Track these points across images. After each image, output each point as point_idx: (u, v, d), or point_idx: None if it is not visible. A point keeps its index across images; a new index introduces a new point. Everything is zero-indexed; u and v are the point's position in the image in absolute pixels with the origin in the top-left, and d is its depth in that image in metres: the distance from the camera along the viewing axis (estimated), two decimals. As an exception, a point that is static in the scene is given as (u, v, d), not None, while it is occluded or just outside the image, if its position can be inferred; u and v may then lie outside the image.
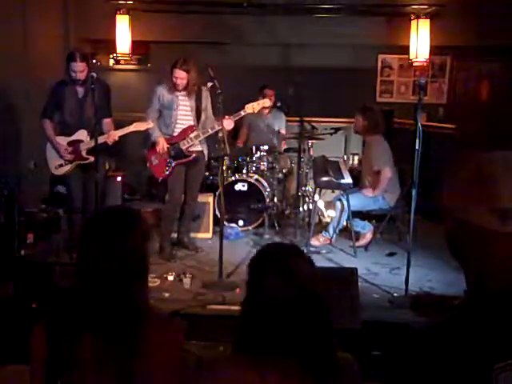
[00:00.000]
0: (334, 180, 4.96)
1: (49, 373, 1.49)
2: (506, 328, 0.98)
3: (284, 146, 6.35)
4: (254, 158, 5.95)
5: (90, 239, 1.58)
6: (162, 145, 4.73)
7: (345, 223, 5.29)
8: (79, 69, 4.38)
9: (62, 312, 1.55)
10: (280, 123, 6.39)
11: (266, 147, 5.95)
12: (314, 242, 5.22)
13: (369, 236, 5.30)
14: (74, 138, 4.55)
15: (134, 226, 1.60)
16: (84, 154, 4.55)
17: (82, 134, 4.54)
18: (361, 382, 1.44)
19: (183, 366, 1.54)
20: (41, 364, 1.50)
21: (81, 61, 4.38)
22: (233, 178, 5.75)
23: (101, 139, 4.46)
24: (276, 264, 1.42)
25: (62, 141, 4.55)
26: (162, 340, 1.51)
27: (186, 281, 4.11)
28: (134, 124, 4.61)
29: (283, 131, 6.35)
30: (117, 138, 4.54)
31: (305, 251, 4.94)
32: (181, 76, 4.58)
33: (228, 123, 4.60)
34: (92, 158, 4.43)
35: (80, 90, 4.51)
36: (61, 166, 4.59)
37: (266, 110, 6.17)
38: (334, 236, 5.27)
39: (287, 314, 1.35)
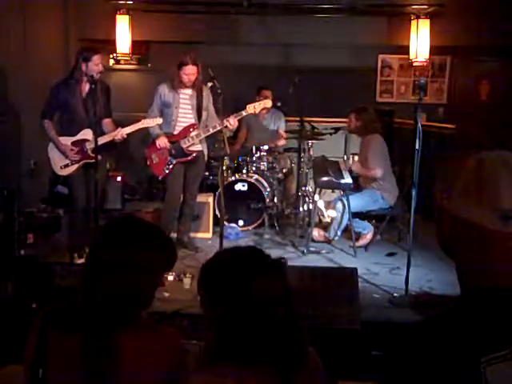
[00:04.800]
0: (334, 180, 4.96)
1: (34, 361, 1.50)
2: (498, 323, 0.99)
3: (282, 142, 6.33)
4: (254, 158, 5.95)
5: (107, 244, 1.58)
6: (164, 141, 4.73)
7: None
8: (100, 61, 4.40)
9: (60, 307, 1.57)
10: (279, 123, 6.39)
11: (265, 147, 5.95)
12: (314, 232, 5.25)
13: (369, 236, 5.29)
14: (78, 137, 4.50)
15: (158, 249, 1.59)
16: (90, 152, 4.49)
17: (87, 133, 4.47)
18: (324, 372, 1.44)
19: (181, 369, 1.53)
20: (31, 351, 1.52)
21: (97, 53, 4.43)
22: (233, 178, 5.75)
23: (109, 137, 4.46)
24: (239, 280, 1.39)
25: (66, 141, 4.50)
26: (142, 350, 1.49)
27: (186, 281, 4.11)
28: (142, 121, 4.60)
29: (282, 131, 6.35)
30: (125, 136, 4.52)
31: (305, 251, 4.91)
32: (192, 71, 4.62)
33: (234, 122, 4.62)
34: (99, 157, 4.34)
35: (84, 90, 4.47)
36: (66, 166, 4.53)
37: (265, 111, 6.18)
38: (337, 237, 5.27)
39: (262, 322, 1.36)
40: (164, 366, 1.51)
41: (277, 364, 1.34)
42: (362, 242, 5.27)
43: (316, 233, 5.31)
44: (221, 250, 1.55)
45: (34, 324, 1.55)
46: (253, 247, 1.52)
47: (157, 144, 4.76)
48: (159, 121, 4.68)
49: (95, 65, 4.37)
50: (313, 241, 5.20)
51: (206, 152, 5.02)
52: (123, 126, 4.54)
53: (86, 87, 4.47)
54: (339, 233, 5.25)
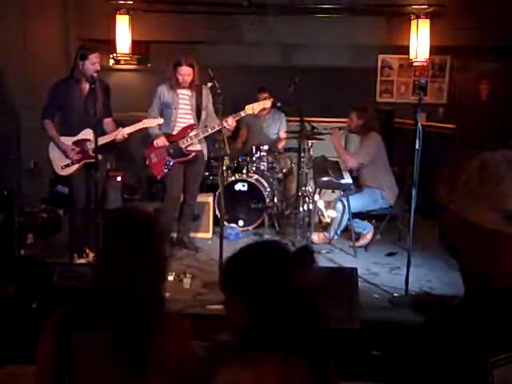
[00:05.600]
0: (334, 180, 4.96)
1: (58, 370, 1.49)
2: (503, 324, 0.99)
3: (283, 143, 6.33)
4: (254, 158, 5.95)
5: (113, 239, 1.62)
6: (162, 140, 4.74)
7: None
8: (97, 60, 4.35)
9: (74, 309, 1.57)
10: (279, 124, 6.38)
11: (266, 147, 5.95)
12: (313, 236, 5.24)
13: (369, 236, 5.30)
14: (79, 137, 4.48)
15: (154, 226, 1.66)
16: (91, 152, 4.45)
17: (87, 133, 4.44)
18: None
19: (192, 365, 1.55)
20: (48, 362, 1.51)
21: (94, 52, 4.38)
22: (233, 178, 5.75)
23: (110, 137, 4.45)
24: (267, 274, 1.38)
25: (67, 141, 4.48)
26: (174, 339, 1.55)
27: (186, 281, 4.11)
28: (143, 120, 4.60)
29: (283, 132, 6.34)
30: (126, 136, 4.50)
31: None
32: (187, 73, 4.61)
33: (232, 123, 4.62)
34: (100, 156, 4.31)
35: (84, 89, 4.45)
36: (67, 166, 4.51)
37: (265, 111, 6.18)
38: (336, 237, 5.27)
39: (297, 310, 1.36)
40: (180, 365, 1.53)
41: (309, 352, 1.35)
42: (362, 242, 5.27)
43: (316, 237, 5.29)
44: (244, 247, 1.49)
45: (48, 330, 1.54)
46: (275, 240, 1.56)
47: (155, 143, 4.76)
48: (160, 121, 4.68)
49: (91, 63, 4.33)
50: (312, 243, 5.20)
51: (205, 152, 5.02)
52: (123, 126, 4.53)
53: (86, 87, 4.44)
54: (339, 232, 5.25)
